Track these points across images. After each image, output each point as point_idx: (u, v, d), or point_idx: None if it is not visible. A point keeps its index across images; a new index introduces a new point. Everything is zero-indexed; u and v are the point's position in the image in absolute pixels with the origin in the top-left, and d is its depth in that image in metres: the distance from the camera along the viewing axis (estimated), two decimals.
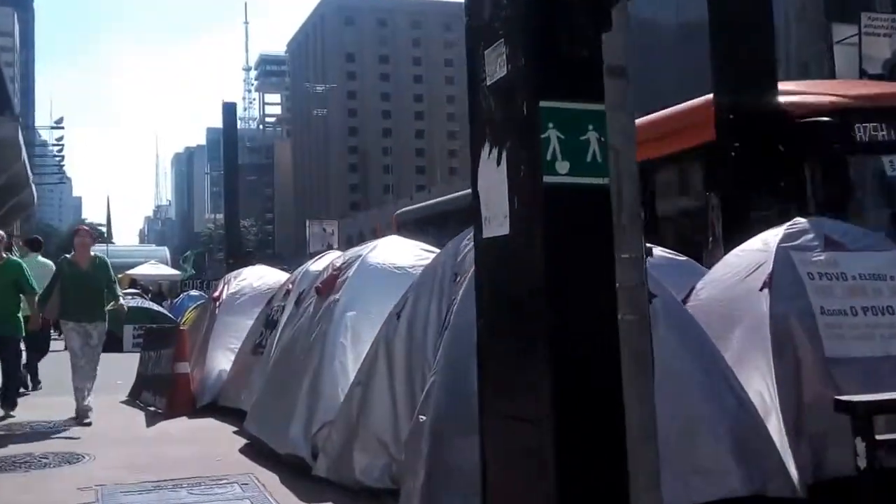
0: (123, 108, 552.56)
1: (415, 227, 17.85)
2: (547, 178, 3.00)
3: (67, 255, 10.12)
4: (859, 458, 3.87)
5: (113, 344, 19.78)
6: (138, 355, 12.34)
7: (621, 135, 3.04)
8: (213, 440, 8.20)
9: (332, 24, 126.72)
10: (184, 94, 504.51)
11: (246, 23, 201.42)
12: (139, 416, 9.84)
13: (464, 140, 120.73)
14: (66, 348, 9.92)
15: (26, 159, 44.30)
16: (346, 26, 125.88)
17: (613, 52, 3.05)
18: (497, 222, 3.27)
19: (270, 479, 6.40)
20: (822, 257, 5.60)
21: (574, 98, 3.07)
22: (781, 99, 8.01)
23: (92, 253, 9.97)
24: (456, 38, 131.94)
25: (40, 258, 12.71)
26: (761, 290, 5.51)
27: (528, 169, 3.07)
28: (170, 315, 21.82)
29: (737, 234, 6.95)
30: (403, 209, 26.57)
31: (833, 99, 8.30)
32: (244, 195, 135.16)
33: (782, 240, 5.76)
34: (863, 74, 16.28)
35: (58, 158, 69.52)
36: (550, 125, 3.02)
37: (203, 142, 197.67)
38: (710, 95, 8.33)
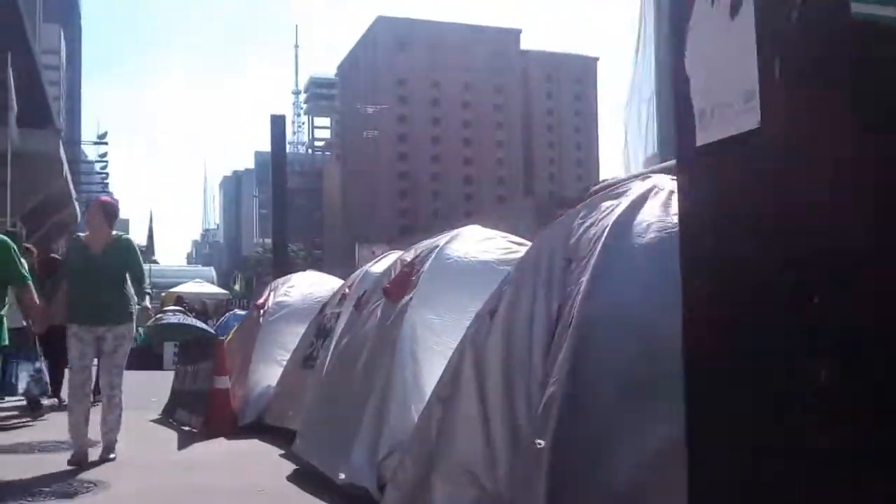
0: (171, 130, 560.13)
1: None
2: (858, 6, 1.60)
3: (80, 234, 7.75)
4: None
5: (151, 361, 18.93)
6: None
7: None
8: (256, 466, 6.98)
9: (384, 48, 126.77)
10: (232, 117, 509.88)
11: (296, 46, 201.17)
12: (170, 436, 8.64)
13: (511, 167, 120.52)
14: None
15: (69, 175, 43.97)
16: (398, 50, 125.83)
17: None
18: (731, 113, 1.93)
19: None
20: None
21: None
22: None
23: (114, 233, 7.37)
24: (505, 65, 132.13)
25: None
26: None
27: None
28: (214, 333, 20.79)
29: None
30: None
31: None
32: (293, 219, 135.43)
33: None
34: None
35: (102, 176, 69.33)
36: None
37: (251, 165, 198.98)
38: None
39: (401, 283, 6.19)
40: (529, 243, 6.43)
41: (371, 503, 5.05)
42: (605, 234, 4.00)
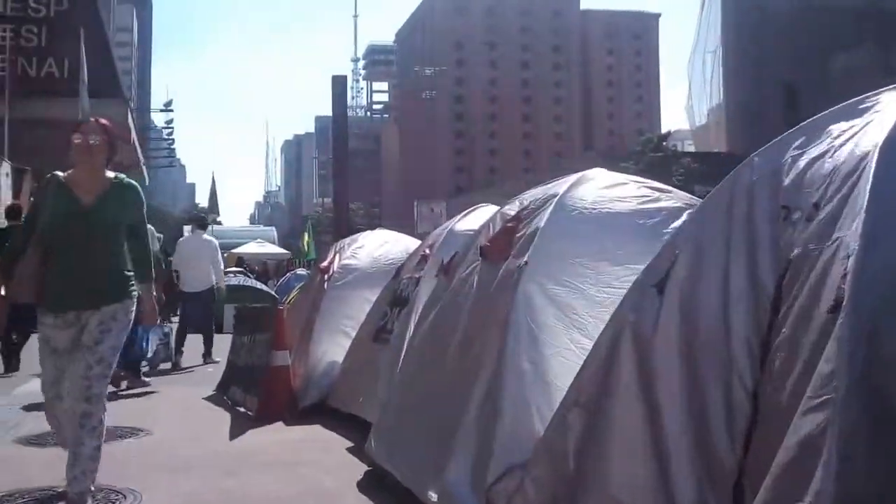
0: (235, 99, 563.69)
1: None
2: None
3: (59, 173, 4.95)
4: None
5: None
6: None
7: None
8: (320, 464, 5.71)
9: (442, 13, 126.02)
10: (293, 84, 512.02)
11: (355, 15, 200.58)
12: (222, 420, 7.40)
13: (569, 124, 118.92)
14: None
15: (136, 142, 43.53)
16: (454, 14, 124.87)
17: None
18: None
19: None
20: None
21: None
22: None
23: (113, 175, 4.83)
24: (564, 25, 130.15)
25: (205, 236, 12.09)
26: None
27: None
28: (274, 295, 19.62)
29: None
30: None
31: None
32: (352, 180, 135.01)
33: None
34: None
35: (168, 142, 69.11)
36: None
37: (312, 129, 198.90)
38: None
39: (504, 241, 4.81)
40: (673, 189, 5.01)
41: None
42: (873, 163, 2.54)
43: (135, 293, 4.65)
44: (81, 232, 4.56)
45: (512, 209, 5.14)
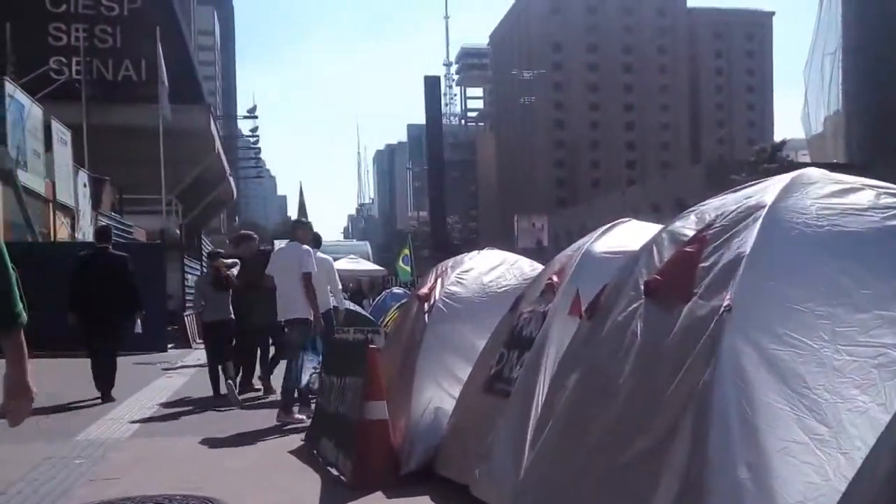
0: (323, 108, 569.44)
1: None
2: None
3: None
4: None
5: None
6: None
7: None
8: None
9: (538, 13, 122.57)
10: (384, 91, 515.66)
11: (446, 17, 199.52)
12: (307, 489, 6.08)
13: (677, 132, 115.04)
14: None
15: (221, 151, 43.00)
16: (552, 14, 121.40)
17: None
18: None
19: None
20: None
21: None
22: None
23: None
24: (669, 24, 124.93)
25: (321, 254, 10.59)
26: None
27: None
28: (369, 317, 18.39)
29: None
30: None
31: None
32: (447, 192, 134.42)
33: None
34: None
35: (255, 151, 69.09)
36: None
37: (404, 138, 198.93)
38: None
39: (681, 273, 3.40)
40: None
41: None
42: None
43: None
44: None
45: (687, 226, 3.72)
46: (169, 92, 30.70)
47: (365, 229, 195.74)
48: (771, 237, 3.13)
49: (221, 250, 13.50)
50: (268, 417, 8.96)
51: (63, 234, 22.60)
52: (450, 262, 7.59)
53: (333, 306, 10.38)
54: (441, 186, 29.19)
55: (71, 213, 24.15)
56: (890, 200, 3.30)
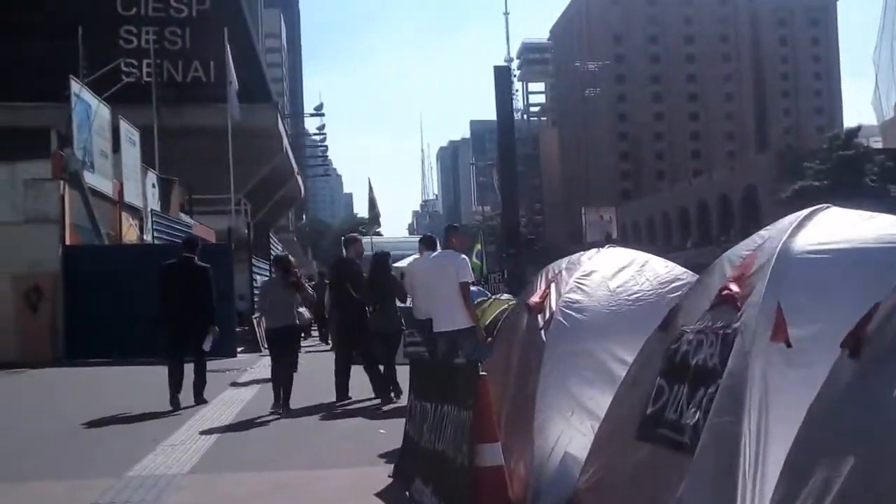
0: (388, 106, 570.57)
1: None
2: None
3: None
4: None
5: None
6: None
7: None
8: None
9: (599, 5, 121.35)
10: (446, 88, 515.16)
11: (506, 13, 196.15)
12: None
13: (742, 121, 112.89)
14: None
15: (289, 149, 42.61)
16: (612, 6, 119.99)
17: None
18: None
19: None
20: None
21: None
22: None
23: None
24: (731, 12, 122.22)
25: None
26: None
27: None
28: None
29: None
30: None
31: None
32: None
33: None
34: None
35: (322, 149, 68.59)
36: None
37: (467, 135, 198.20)
38: None
39: None
40: None
41: None
42: None
43: None
44: None
45: None
46: (237, 91, 30.24)
47: (430, 225, 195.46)
48: None
49: (287, 253, 12.83)
50: (340, 440, 7.93)
51: (131, 236, 21.96)
52: (563, 263, 6.35)
53: None
54: (513, 179, 28.05)
55: (140, 214, 23.56)
56: None
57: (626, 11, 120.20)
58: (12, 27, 31.66)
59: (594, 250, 6.42)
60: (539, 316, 5.84)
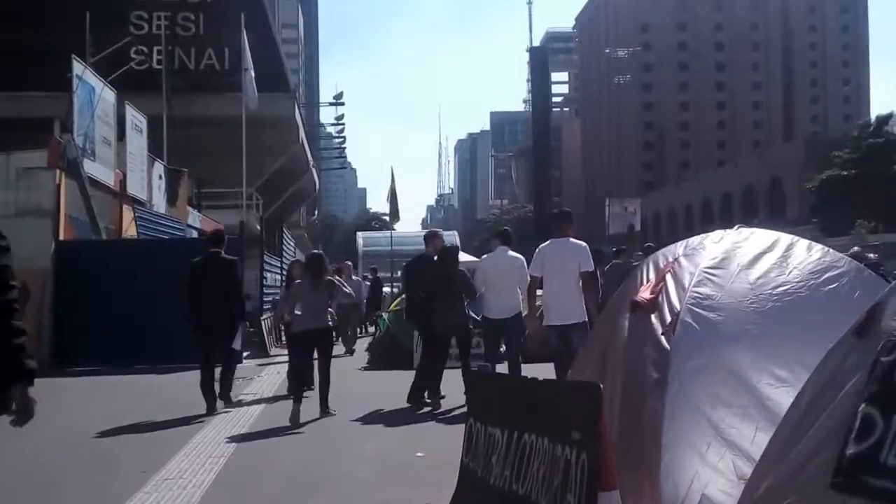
0: (403, 99, 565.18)
1: None
2: None
3: None
4: None
5: (398, 357, 14.32)
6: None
7: None
8: None
9: None
10: (465, 81, 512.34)
11: (529, 3, 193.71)
12: None
13: (769, 110, 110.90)
14: None
15: (305, 140, 41.14)
16: None
17: None
18: None
19: None
20: None
21: None
22: None
23: None
24: (761, 0, 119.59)
25: (510, 252, 10.11)
26: None
27: None
28: (473, 316, 15.70)
29: None
30: None
31: None
32: (531, 178, 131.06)
33: None
34: None
35: (339, 140, 66.71)
36: None
37: (487, 127, 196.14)
38: None
39: None
40: None
41: None
42: None
43: None
44: None
45: None
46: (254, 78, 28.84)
47: (444, 219, 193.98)
48: None
49: (321, 252, 11.83)
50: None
51: (133, 230, 20.43)
52: (677, 248, 4.78)
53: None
54: (547, 166, 26.67)
55: (143, 206, 22.12)
56: None
57: None
58: (19, 14, 30.39)
59: (720, 231, 4.85)
60: (653, 317, 4.30)
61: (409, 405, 10.02)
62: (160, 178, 23.95)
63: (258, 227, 27.25)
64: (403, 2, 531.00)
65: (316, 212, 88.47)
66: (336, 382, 9.91)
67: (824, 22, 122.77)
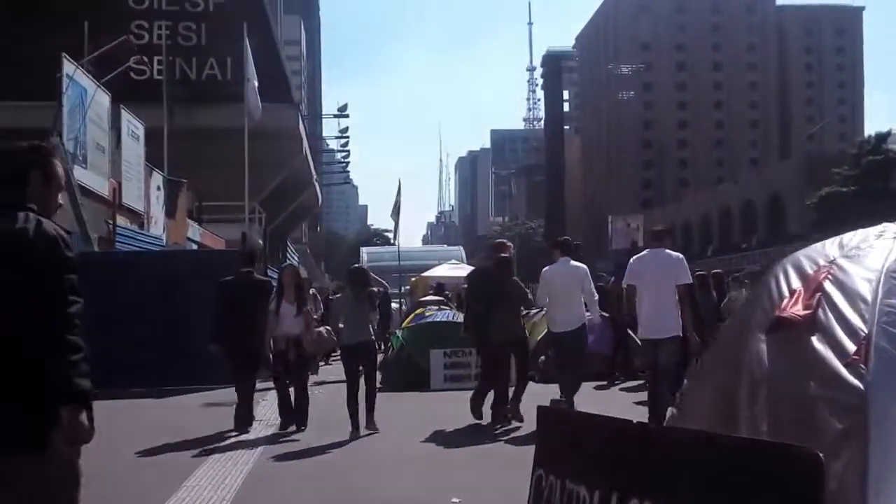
0: (405, 117, 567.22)
1: None
2: None
3: None
4: None
5: (412, 377, 13.34)
6: None
7: None
8: None
9: (626, 13, 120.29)
10: (465, 100, 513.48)
11: (530, 23, 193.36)
12: None
13: (766, 129, 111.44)
14: None
15: (308, 153, 40.21)
16: (640, 13, 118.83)
17: None
18: None
19: None
20: None
21: None
22: None
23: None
24: (759, 21, 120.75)
25: (573, 262, 9.98)
26: None
27: None
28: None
29: None
30: None
31: None
32: (531, 196, 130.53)
33: None
34: None
35: (342, 154, 65.71)
36: None
37: (487, 145, 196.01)
38: None
39: None
40: None
41: None
42: None
43: None
44: None
45: None
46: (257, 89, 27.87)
47: (445, 236, 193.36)
48: None
49: (361, 265, 11.81)
50: None
51: None
52: (828, 248, 3.64)
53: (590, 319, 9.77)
54: (561, 181, 25.43)
55: (140, 218, 21.02)
56: None
57: (654, 19, 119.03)
58: (14, 23, 29.39)
59: (881, 226, 3.70)
60: (814, 339, 3.16)
61: (443, 430, 9.38)
62: (158, 189, 22.89)
63: (262, 242, 26.25)
64: (404, 21, 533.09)
65: (318, 228, 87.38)
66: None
67: (820, 44, 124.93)
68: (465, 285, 13.36)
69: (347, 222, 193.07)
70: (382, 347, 20.20)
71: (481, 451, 8.33)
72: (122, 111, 20.08)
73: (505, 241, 12.15)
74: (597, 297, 10.42)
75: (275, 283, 10.42)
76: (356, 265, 11.27)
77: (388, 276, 29.27)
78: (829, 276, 3.37)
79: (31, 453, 2.84)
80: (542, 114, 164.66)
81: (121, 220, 19.04)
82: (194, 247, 22.62)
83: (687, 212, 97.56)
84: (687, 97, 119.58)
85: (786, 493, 2.26)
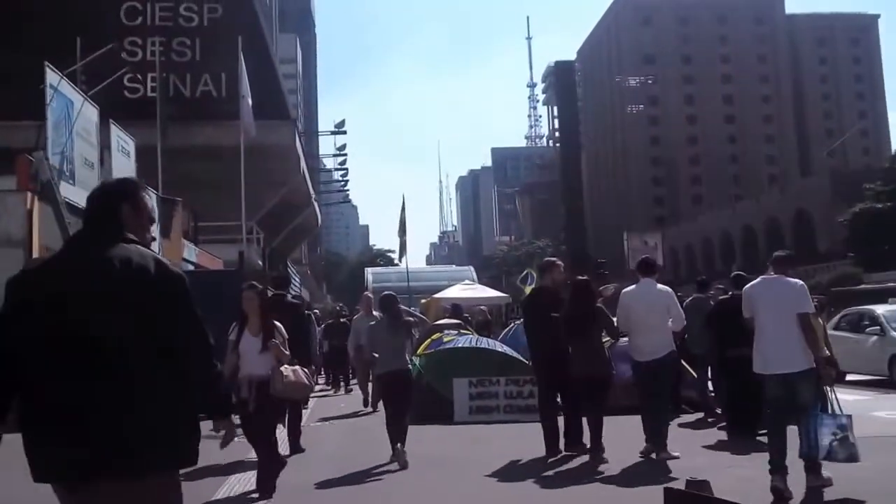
0: (405, 136, 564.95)
1: None
2: None
3: None
4: None
5: (433, 407, 11.91)
6: None
7: None
8: None
9: (628, 25, 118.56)
10: (465, 118, 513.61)
11: (528, 38, 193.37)
12: None
13: (783, 144, 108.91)
14: None
15: (306, 172, 39.06)
16: (642, 26, 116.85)
17: None
18: None
19: None
20: None
21: None
22: None
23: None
24: (768, 32, 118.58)
25: (659, 286, 9.40)
26: None
27: None
28: (520, 358, 13.21)
29: None
30: None
31: None
32: (536, 215, 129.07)
33: None
34: None
35: (341, 172, 64.49)
36: None
37: (488, 163, 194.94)
38: None
39: None
40: None
41: None
42: None
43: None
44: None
45: None
46: (252, 106, 26.72)
47: (448, 256, 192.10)
48: None
49: (393, 292, 10.71)
50: None
51: None
52: None
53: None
54: (580, 194, 24.62)
55: None
56: None
57: (657, 31, 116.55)
58: (5, 41, 28.21)
59: None
60: None
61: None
62: (153, 208, 21.55)
63: (260, 262, 24.94)
64: (402, 38, 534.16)
65: (318, 248, 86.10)
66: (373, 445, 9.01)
67: (835, 54, 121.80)
68: (519, 310, 12.46)
69: (349, 243, 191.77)
70: None
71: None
72: (112, 125, 18.83)
73: (555, 259, 11.07)
74: (685, 323, 9.67)
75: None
76: (388, 293, 10.39)
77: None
78: None
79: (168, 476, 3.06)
80: (543, 130, 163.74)
81: None
82: (191, 267, 21.31)
83: (705, 230, 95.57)
84: (696, 111, 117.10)
85: None
